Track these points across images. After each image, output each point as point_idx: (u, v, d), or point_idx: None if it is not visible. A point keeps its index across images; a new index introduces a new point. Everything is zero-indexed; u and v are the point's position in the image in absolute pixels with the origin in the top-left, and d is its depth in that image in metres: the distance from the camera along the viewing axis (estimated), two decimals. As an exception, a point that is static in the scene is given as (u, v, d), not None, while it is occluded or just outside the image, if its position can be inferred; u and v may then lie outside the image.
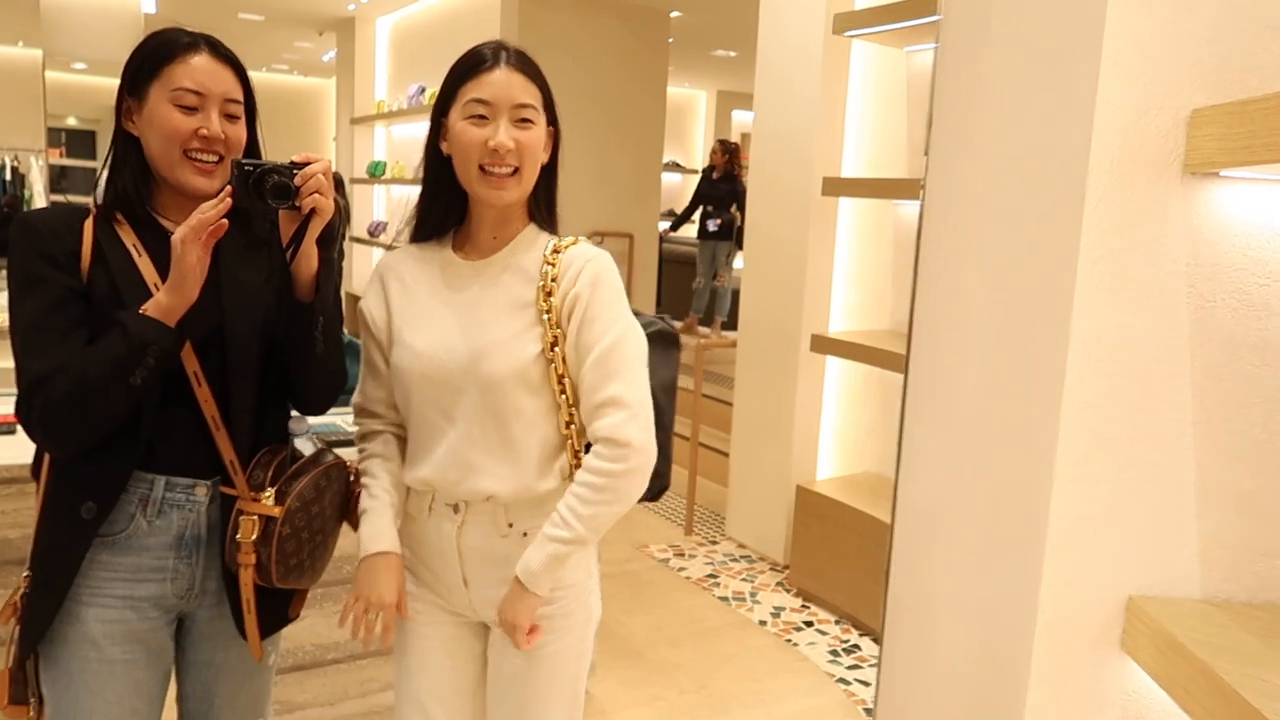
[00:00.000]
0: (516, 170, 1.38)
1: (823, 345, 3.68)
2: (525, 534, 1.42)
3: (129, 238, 1.39)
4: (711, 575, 3.92)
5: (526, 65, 1.42)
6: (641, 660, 3.16)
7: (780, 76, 3.96)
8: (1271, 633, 0.94)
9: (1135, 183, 0.94)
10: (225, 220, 1.30)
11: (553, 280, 1.39)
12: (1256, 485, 1.00)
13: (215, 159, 1.40)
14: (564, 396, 1.40)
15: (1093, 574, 1.01)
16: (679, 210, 9.59)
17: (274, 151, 1.47)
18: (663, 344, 1.78)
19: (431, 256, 1.49)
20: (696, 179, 9.13)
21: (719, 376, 6.28)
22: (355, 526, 1.56)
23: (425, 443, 1.44)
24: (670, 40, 7.33)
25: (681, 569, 3.96)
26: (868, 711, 2.93)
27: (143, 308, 1.31)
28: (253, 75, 1.48)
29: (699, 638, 3.35)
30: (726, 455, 4.52)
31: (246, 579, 1.42)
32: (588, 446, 1.41)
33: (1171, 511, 1.02)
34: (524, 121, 1.38)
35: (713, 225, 8.38)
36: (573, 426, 1.42)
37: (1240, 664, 0.87)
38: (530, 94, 1.40)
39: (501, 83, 1.37)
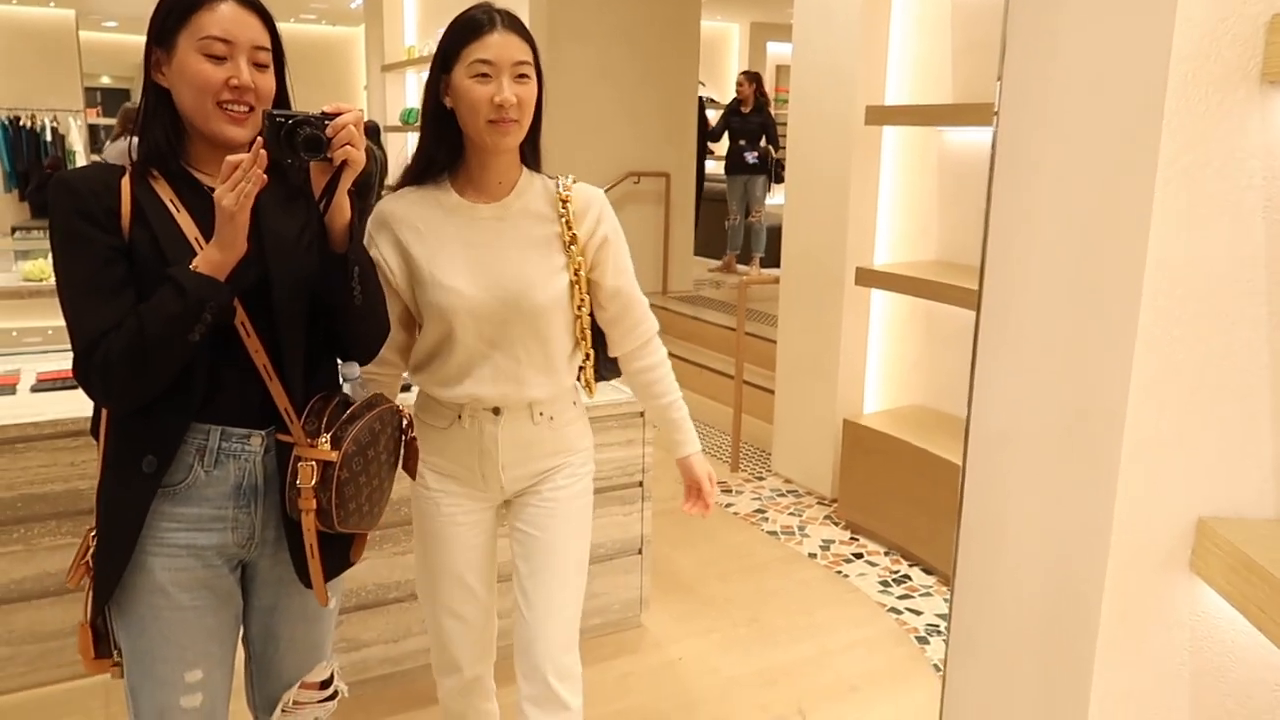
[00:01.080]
0: (517, 120, 1.58)
1: (868, 278, 3.64)
2: (551, 418, 1.73)
3: (165, 193, 1.39)
4: (759, 510, 3.95)
5: (518, 26, 1.60)
6: (693, 594, 3.21)
7: (821, 5, 3.86)
8: (1349, 550, 0.93)
9: (1212, 94, 0.91)
10: (264, 174, 1.30)
11: (573, 217, 1.68)
12: (1333, 403, 0.98)
13: (246, 109, 1.39)
14: (582, 308, 1.71)
15: (1163, 495, 1.00)
16: (715, 149, 9.43)
17: (305, 103, 1.46)
18: None
19: (435, 201, 1.65)
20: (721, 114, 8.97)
21: (761, 314, 6.25)
22: (412, 472, 1.67)
23: (466, 365, 1.66)
24: (702, -29, 7.18)
25: (729, 505, 3.99)
26: (919, 639, 2.95)
27: (194, 264, 1.32)
28: (281, 26, 1.46)
29: (749, 572, 3.39)
30: (770, 392, 4.51)
31: (309, 524, 1.44)
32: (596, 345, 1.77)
33: (1243, 433, 1.00)
34: (521, 77, 1.57)
35: (751, 158, 8.13)
36: (586, 331, 1.73)
37: (1319, 582, 0.86)
38: (525, 52, 1.58)
39: (501, 44, 1.56)
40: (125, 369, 1.31)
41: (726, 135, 8.44)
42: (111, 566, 1.41)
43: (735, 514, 3.90)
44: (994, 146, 1.08)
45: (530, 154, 1.69)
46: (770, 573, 3.39)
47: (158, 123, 1.40)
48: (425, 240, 1.63)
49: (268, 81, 1.41)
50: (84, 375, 1.34)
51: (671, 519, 3.78)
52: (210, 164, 1.41)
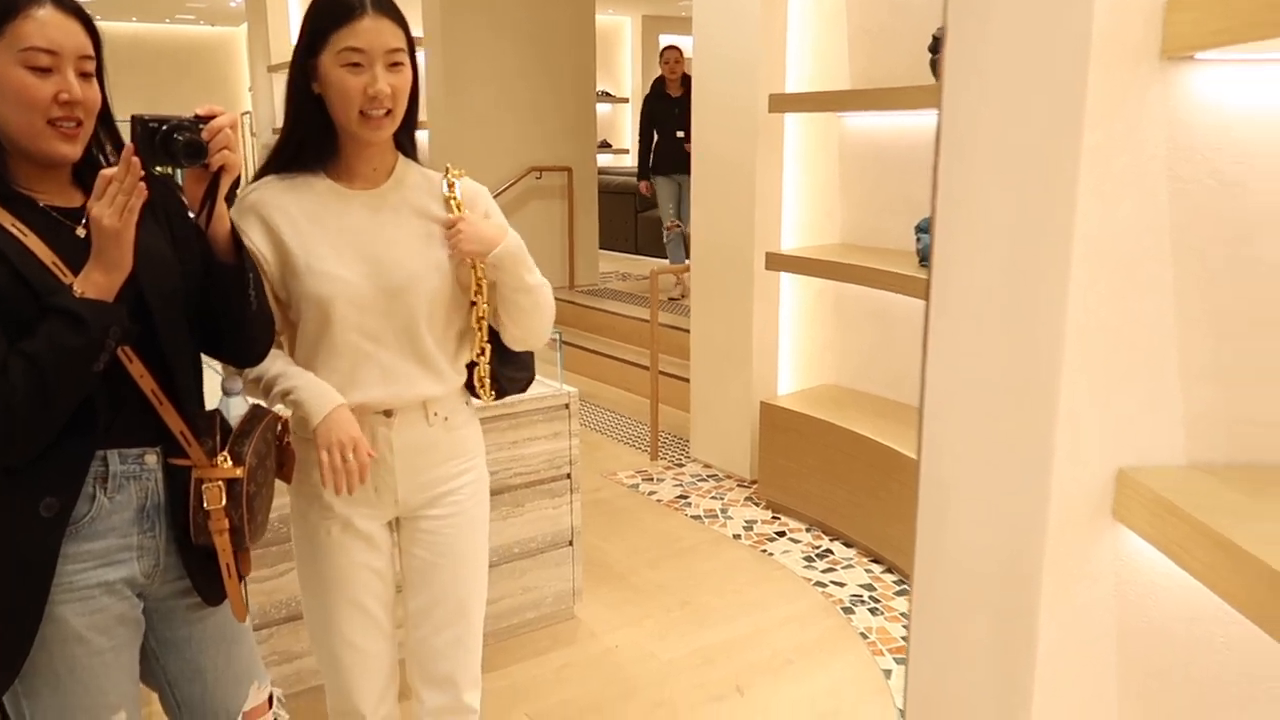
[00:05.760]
0: (391, 111, 1.51)
1: (777, 263, 3.73)
2: (446, 418, 1.65)
3: (4, 218, 1.26)
4: (681, 496, 4.00)
5: (391, 10, 1.50)
6: (624, 583, 3.24)
7: (717, -5, 3.93)
8: (1256, 489, 1.01)
9: (1121, 71, 0.97)
10: (144, 186, 1.22)
11: (459, 210, 1.60)
12: (1234, 357, 1.06)
13: (76, 124, 1.28)
14: (480, 295, 1.62)
15: (1090, 451, 1.07)
16: (612, 141, 9.23)
17: (184, 107, 1.38)
18: None
19: (306, 187, 1.56)
20: (627, 107, 7.80)
21: (673, 305, 6.31)
22: (288, 479, 1.62)
23: (351, 370, 1.56)
24: (594, -36, 7.19)
25: (651, 493, 4.04)
26: (845, 610, 3.05)
27: (76, 290, 1.22)
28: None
29: (677, 557, 3.44)
30: (686, 381, 4.57)
31: (224, 544, 1.40)
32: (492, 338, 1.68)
33: (1156, 389, 1.08)
34: (395, 65, 1.49)
35: (680, 154, 6.44)
36: (483, 320, 1.65)
37: (1233, 518, 0.93)
38: (399, 38, 1.50)
39: (373, 30, 1.47)
40: (25, 415, 1.20)
41: (651, 126, 6.82)
42: (21, 637, 1.27)
43: (659, 501, 3.95)
44: (938, 130, 1.13)
45: (406, 141, 1.63)
46: (698, 556, 3.45)
47: None
48: (299, 227, 1.54)
49: (94, 93, 1.30)
50: None
51: (597, 509, 3.81)
52: (41, 183, 1.31)
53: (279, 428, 1.58)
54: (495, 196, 1.74)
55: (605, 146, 9.73)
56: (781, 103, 3.64)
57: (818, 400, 3.82)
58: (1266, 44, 0.91)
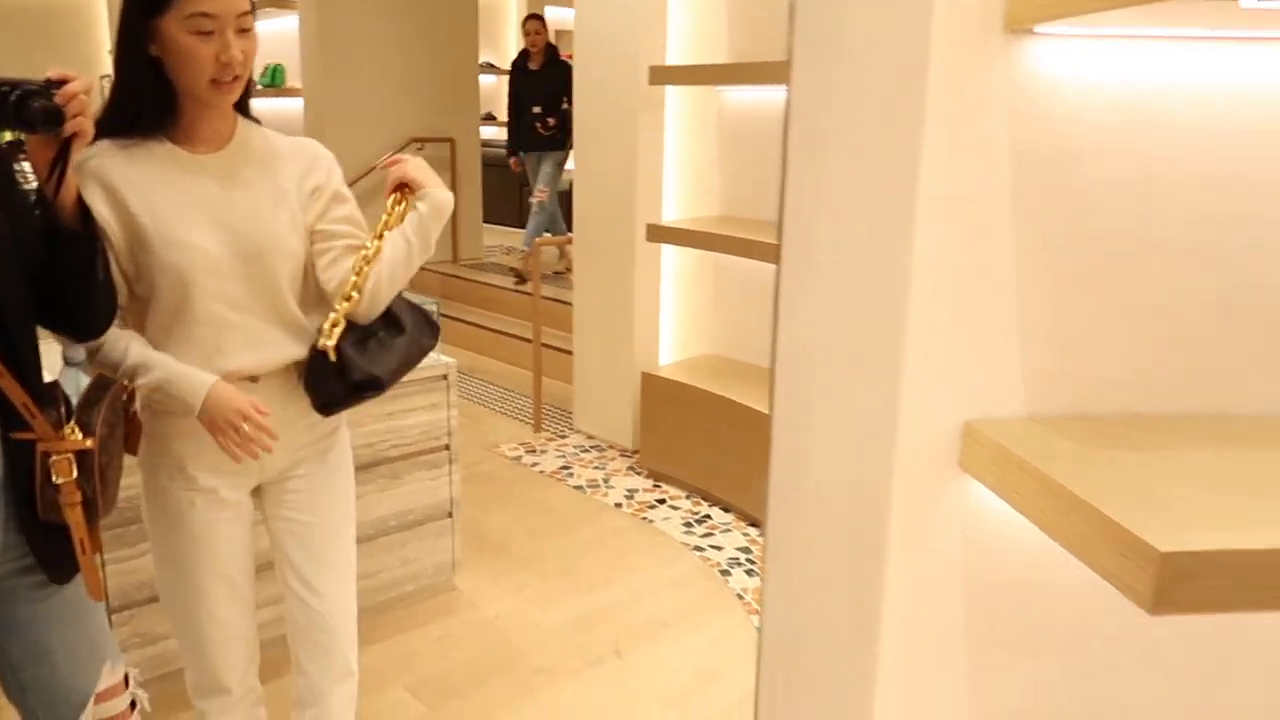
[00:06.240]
0: (240, 76, 1.48)
1: (658, 234, 3.76)
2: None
3: None
4: (564, 467, 4.02)
5: None
6: (505, 554, 3.24)
7: (598, -35, 3.91)
8: (1086, 438, 1.08)
9: (966, 43, 1.02)
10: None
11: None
12: (1067, 315, 1.13)
13: None
14: (380, 240, 1.58)
15: (936, 404, 1.12)
16: (497, 113, 9.10)
17: (38, 71, 1.30)
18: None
19: (146, 154, 1.49)
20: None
21: (556, 278, 6.29)
22: (134, 450, 1.58)
23: (214, 338, 1.52)
24: (476, -69, 7.04)
25: (534, 464, 4.04)
26: (722, 572, 3.13)
27: None
28: None
29: (558, 527, 3.46)
30: (569, 353, 4.58)
31: (77, 518, 1.35)
32: None
33: (998, 345, 1.14)
34: (244, 31, 1.45)
35: (545, 128, 6.24)
36: (370, 263, 1.58)
37: (1063, 464, 1.00)
38: (247, 1, 1.45)
39: None
40: None
41: (513, 100, 6.48)
42: None
43: (541, 472, 3.95)
44: (788, 99, 1.16)
45: (244, 102, 1.58)
46: (579, 525, 3.47)
47: None
48: (146, 196, 1.47)
49: None
50: None
51: (477, 482, 3.79)
52: None
53: (125, 397, 1.53)
54: (374, 169, 1.71)
55: (490, 119, 9.58)
56: (661, 75, 3.66)
57: (698, 370, 3.88)
58: (1102, 20, 0.97)
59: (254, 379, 1.57)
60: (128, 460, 1.55)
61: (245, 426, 1.48)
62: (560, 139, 6.22)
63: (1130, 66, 1.05)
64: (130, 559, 2.26)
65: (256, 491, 1.69)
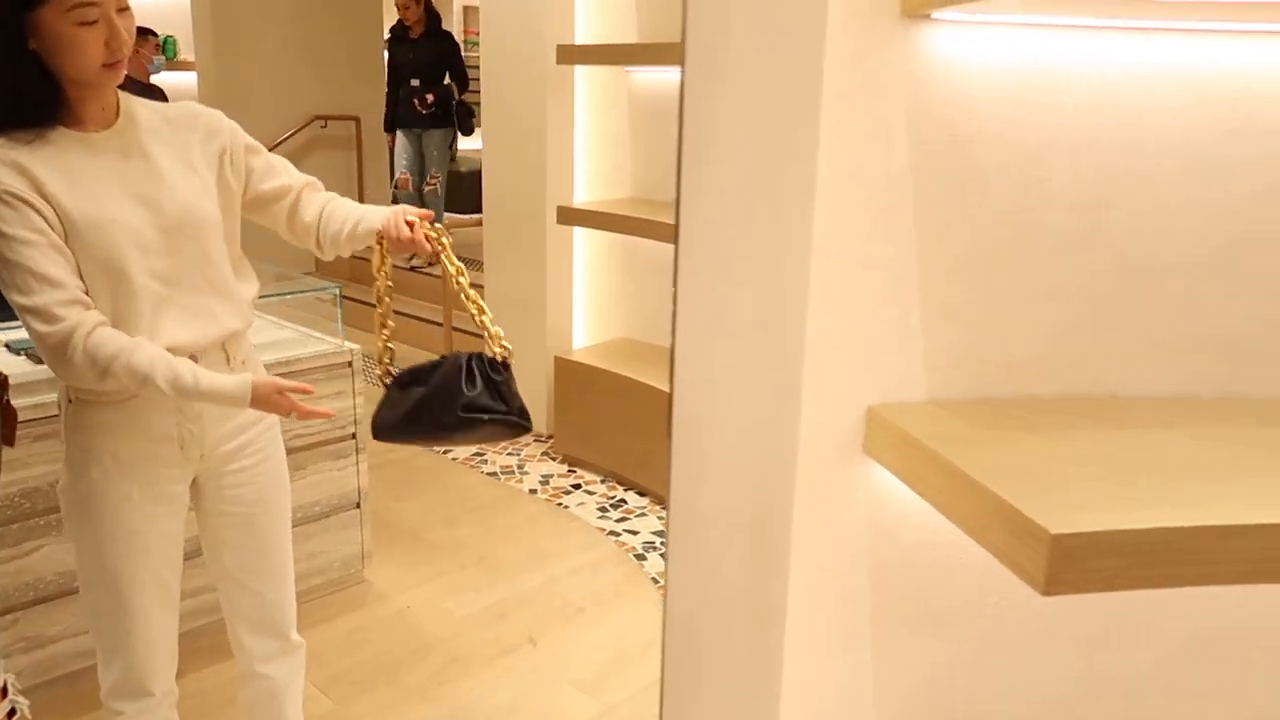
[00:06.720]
0: (126, 54, 1.46)
1: (568, 216, 3.72)
2: (244, 361, 1.62)
3: None
4: (478, 454, 3.96)
5: None
6: (418, 543, 3.18)
7: (504, -60, 3.83)
8: (983, 422, 1.10)
9: (863, 28, 1.02)
10: None
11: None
12: (966, 300, 1.15)
13: None
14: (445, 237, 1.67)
15: (839, 390, 1.13)
16: None
17: None
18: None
19: (44, 142, 1.45)
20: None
21: (466, 260, 6.18)
22: (10, 441, 1.56)
23: (152, 315, 1.49)
24: (379, -100, 6.84)
25: (446, 451, 3.98)
26: (638, 556, 3.13)
27: None
28: None
29: (473, 514, 3.41)
30: (480, 337, 4.51)
31: None
32: None
33: (898, 330, 1.15)
34: (123, 10, 1.43)
35: (423, 105, 5.73)
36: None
37: (960, 447, 1.02)
38: None
39: None
40: None
41: (391, 72, 6.03)
42: None
43: (454, 460, 3.90)
44: (682, 81, 1.14)
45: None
46: (494, 512, 3.43)
47: None
48: (60, 183, 1.43)
49: None
50: None
51: (391, 470, 3.71)
52: None
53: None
54: (275, 147, 1.67)
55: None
56: (569, 54, 3.61)
57: (611, 353, 3.86)
58: (996, 6, 0.98)
59: (194, 358, 1.52)
60: (20, 454, 1.49)
61: (296, 398, 1.51)
62: (441, 116, 5.83)
63: (1023, 53, 1.07)
64: (14, 559, 2.14)
65: (192, 485, 1.66)
